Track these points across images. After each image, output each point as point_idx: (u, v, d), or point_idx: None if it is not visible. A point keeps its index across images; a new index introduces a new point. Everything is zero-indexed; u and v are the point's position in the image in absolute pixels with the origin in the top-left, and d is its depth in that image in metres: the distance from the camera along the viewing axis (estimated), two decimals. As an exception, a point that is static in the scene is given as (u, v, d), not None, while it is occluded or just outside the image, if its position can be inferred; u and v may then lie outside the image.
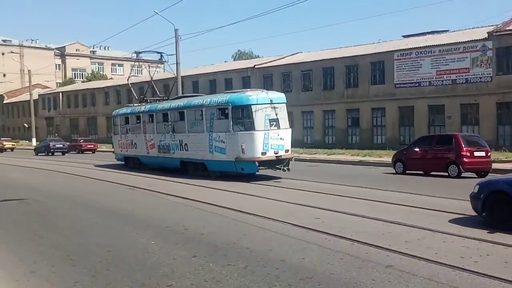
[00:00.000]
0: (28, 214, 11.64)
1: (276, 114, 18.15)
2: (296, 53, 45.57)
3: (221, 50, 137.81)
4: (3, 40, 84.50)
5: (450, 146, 17.64)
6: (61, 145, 41.97)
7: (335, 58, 36.59)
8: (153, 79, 27.77)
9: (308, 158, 27.31)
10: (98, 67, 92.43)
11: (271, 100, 18.17)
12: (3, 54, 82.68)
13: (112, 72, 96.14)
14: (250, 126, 17.79)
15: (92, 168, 24.58)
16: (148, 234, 8.86)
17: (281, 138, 18.10)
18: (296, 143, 37.99)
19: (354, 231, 8.62)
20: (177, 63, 32.58)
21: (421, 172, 18.43)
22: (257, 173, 18.51)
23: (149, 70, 28.77)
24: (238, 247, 7.78)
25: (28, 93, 62.83)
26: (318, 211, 10.61)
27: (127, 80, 32.92)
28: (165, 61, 32.45)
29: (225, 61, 70.68)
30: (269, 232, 8.79)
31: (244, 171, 17.93)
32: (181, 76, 33.08)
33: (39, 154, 42.10)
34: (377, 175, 18.47)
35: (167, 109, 21.99)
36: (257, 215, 10.34)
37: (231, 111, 18.03)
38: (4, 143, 50.48)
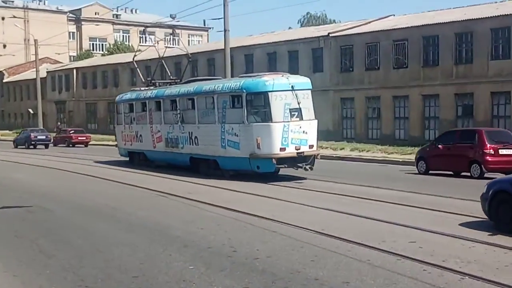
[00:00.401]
0: (33, 226, 12.23)
1: (299, 103, 19.42)
2: (386, 17, 44.97)
3: (284, 13, 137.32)
4: (3, 1, 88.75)
5: (472, 143, 19.77)
6: (44, 137, 45.78)
7: (440, 24, 35.71)
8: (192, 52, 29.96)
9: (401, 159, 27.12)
10: (123, 36, 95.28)
11: (292, 86, 19.49)
12: (3, 19, 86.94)
13: (140, 42, 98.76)
14: (267, 117, 19.18)
15: (97, 166, 26.97)
16: (185, 257, 9.08)
17: (304, 132, 19.39)
18: (385, 139, 37.44)
19: (462, 259, 8.53)
20: (225, 30, 32.90)
21: (447, 171, 20.59)
22: (278, 172, 19.93)
23: (156, 45, 30.76)
24: (303, 277, 7.83)
25: (34, 69, 65.67)
26: (405, 230, 10.54)
27: (133, 58, 34.61)
28: (210, 28, 33.05)
29: (289, 28, 70.96)
30: (343, 257, 8.82)
31: (259, 170, 19.32)
32: (230, 48, 33.36)
33: (18, 146, 45.79)
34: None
35: (176, 95, 23.69)
36: (326, 234, 10.37)
37: (245, 98, 19.46)
38: None
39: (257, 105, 19.80)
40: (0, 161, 31.89)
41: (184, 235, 10.88)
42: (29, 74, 78.03)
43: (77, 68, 69.36)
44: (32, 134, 46.00)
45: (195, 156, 22.47)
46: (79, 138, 47.76)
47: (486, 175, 19.06)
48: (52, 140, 46.93)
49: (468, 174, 19.86)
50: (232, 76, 31.99)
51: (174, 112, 23.96)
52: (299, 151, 19.44)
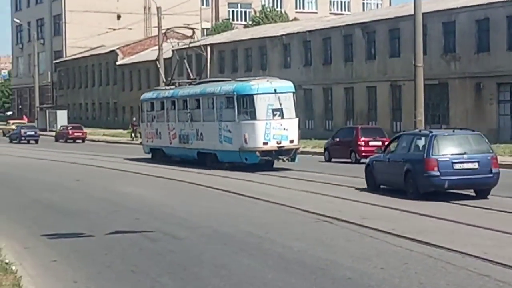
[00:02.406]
0: (155, 258, 12.85)
1: (280, 104, 30.91)
2: None
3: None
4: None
5: (352, 137, 36.36)
6: (33, 133, 66.02)
7: None
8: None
9: None
10: (274, 1, 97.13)
11: (275, 90, 31.07)
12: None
13: (297, 8, 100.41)
14: (252, 116, 30.79)
15: (194, 172, 31.27)
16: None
17: (284, 129, 30.97)
18: None
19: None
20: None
21: (341, 158, 36.63)
22: (273, 166, 31.69)
23: (171, 44, 45.00)
24: None
25: (156, 47, 68.61)
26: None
27: (156, 59, 49.47)
28: None
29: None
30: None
31: (247, 161, 31.19)
32: (422, 14, 32.99)
33: (13, 141, 65.23)
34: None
35: (187, 96, 36.09)
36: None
37: (236, 100, 31.20)
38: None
39: (245, 106, 31.29)
40: (100, 168, 33.90)
41: (356, 276, 10.95)
42: (150, 54, 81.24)
43: (212, 45, 71.20)
44: (22, 130, 65.98)
45: (201, 151, 34.36)
46: (75, 133, 67.31)
47: (362, 160, 33.22)
48: (39, 136, 66.52)
49: (350, 160, 36.16)
50: (425, 54, 39.17)
51: (185, 111, 35.73)
52: (280, 145, 31.00)
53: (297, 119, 32.01)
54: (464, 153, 20.47)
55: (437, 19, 47.05)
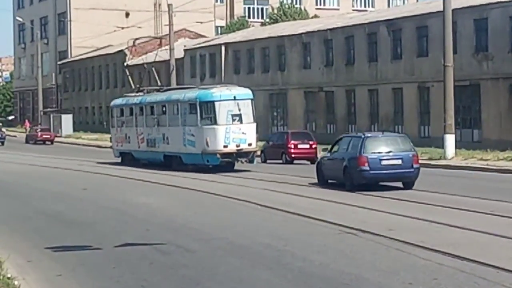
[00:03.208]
0: (167, 272, 12.85)
1: (239, 110, 36.18)
2: None
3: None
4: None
5: (283, 140, 43.14)
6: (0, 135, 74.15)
7: None
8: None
9: None
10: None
11: (234, 97, 36.41)
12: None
13: (317, 4, 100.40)
14: (213, 121, 35.91)
15: (202, 179, 32.79)
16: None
17: (243, 133, 36.13)
18: None
19: None
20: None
21: (275, 160, 42.72)
22: (234, 167, 36.75)
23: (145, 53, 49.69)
24: None
25: (167, 46, 68.81)
26: None
27: (125, 64, 54.94)
28: None
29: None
30: None
31: (209, 163, 36.38)
32: (452, 10, 32.87)
33: None
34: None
35: (154, 102, 41.73)
36: None
37: (198, 106, 36.36)
38: None
39: (207, 112, 36.33)
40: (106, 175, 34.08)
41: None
42: (160, 54, 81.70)
43: (226, 44, 71.43)
44: None
45: (167, 154, 39.48)
46: (43, 136, 76.07)
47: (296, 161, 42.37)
48: (5, 138, 74.71)
49: (281, 161, 42.51)
50: (456, 53, 41.18)
51: (152, 117, 41.09)
52: (239, 148, 36.00)
53: (255, 124, 37.34)
54: (390, 152, 26.32)
55: (468, 15, 46.92)
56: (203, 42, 77.19)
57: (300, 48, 61.96)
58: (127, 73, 56.53)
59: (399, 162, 26.06)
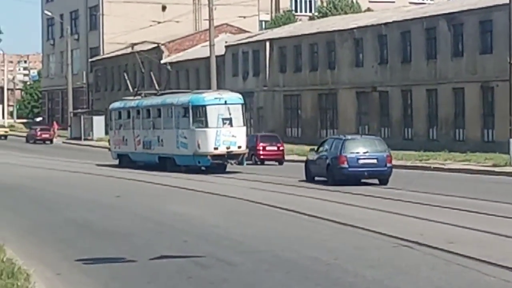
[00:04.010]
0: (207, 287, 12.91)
1: (230, 114, 40.62)
2: None
3: None
4: None
5: (253, 143, 48.45)
6: None
7: None
8: None
9: None
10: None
11: (225, 101, 41.01)
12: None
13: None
14: (204, 124, 40.57)
15: (234, 185, 34.47)
16: None
17: (233, 135, 40.57)
18: None
19: None
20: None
21: (247, 161, 44.00)
22: (225, 169, 41.70)
23: (139, 59, 56.43)
24: None
25: (207, 43, 69.04)
26: None
27: (124, 73, 63.90)
28: None
29: None
30: None
31: (200, 164, 41.32)
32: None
33: None
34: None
35: (150, 106, 46.73)
36: None
37: (191, 110, 41.05)
38: None
39: (199, 115, 41.06)
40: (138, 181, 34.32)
41: None
42: (199, 51, 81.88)
43: (271, 40, 71.48)
44: None
45: (161, 155, 44.22)
46: (43, 135, 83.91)
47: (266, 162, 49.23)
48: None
49: (251, 161, 46.77)
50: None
51: (148, 120, 46.03)
52: (229, 150, 40.54)
53: (244, 127, 42.59)
54: (367, 152, 32.80)
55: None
56: (246, 38, 77.27)
57: (351, 44, 61.86)
58: (126, 77, 62.66)
59: (375, 161, 32.60)
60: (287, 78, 68.99)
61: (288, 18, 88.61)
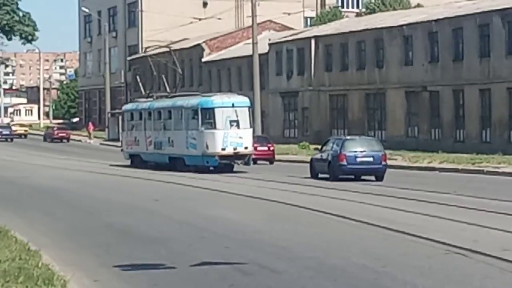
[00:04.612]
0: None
1: (237, 116, 44.19)
2: None
3: None
4: None
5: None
6: (8, 132, 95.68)
7: None
8: None
9: None
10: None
11: (232, 104, 44.70)
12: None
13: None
14: (212, 126, 44.01)
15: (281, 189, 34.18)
16: None
17: (240, 137, 44.14)
18: None
19: None
20: None
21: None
22: (233, 169, 45.53)
23: (151, 61, 62.65)
24: None
25: (249, 40, 69.15)
26: None
27: (137, 76, 67.67)
28: None
29: None
30: None
31: (208, 164, 44.71)
32: None
33: None
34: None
35: (161, 108, 50.54)
36: None
37: (200, 112, 44.67)
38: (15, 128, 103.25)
39: (207, 117, 44.55)
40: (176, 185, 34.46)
41: None
42: (242, 49, 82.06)
43: (316, 38, 71.52)
44: None
45: (172, 156, 47.89)
46: (60, 134, 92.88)
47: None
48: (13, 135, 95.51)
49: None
50: None
51: (159, 121, 49.92)
52: (236, 151, 44.12)
53: (251, 129, 46.41)
54: (364, 151, 37.48)
55: None
56: (291, 35, 77.38)
57: (400, 42, 61.72)
58: (138, 80, 67.50)
59: (371, 159, 37.41)
60: (333, 77, 68.96)
61: (334, 14, 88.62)
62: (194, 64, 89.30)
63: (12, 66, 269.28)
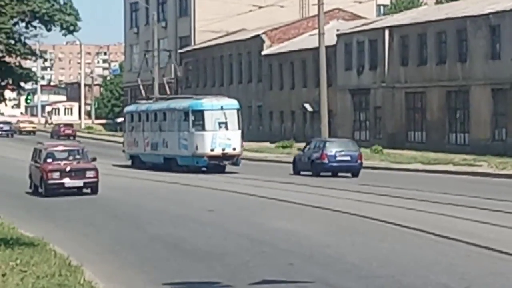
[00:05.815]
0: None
1: (226, 118, 51.29)
2: None
3: None
4: None
5: None
6: (8, 128, 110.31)
7: None
8: None
9: None
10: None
11: (221, 106, 51.72)
12: None
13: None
14: (202, 127, 51.35)
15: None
16: None
17: (228, 138, 50.98)
18: None
19: None
20: None
21: None
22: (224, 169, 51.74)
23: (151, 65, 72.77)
24: None
25: (315, 31, 69.09)
26: None
27: (137, 77, 73.79)
28: None
29: None
30: None
31: (198, 164, 51.58)
32: None
33: None
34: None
35: (157, 110, 57.62)
36: None
37: (191, 114, 51.92)
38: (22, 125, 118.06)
39: (197, 119, 51.03)
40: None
41: None
42: (306, 41, 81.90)
43: (390, 28, 71.12)
44: None
45: (166, 156, 54.16)
46: (66, 131, 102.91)
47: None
48: (14, 131, 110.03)
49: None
50: None
51: (155, 123, 56.44)
52: (224, 152, 50.20)
53: (239, 130, 52.21)
54: (342, 151, 46.66)
55: None
56: (362, 25, 77.15)
57: (487, 32, 61.11)
58: (138, 82, 71.08)
59: (348, 158, 46.69)
60: (410, 72, 68.56)
61: (411, 2, 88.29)
62: (253, 58, 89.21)
63: (51, 60, 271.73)
